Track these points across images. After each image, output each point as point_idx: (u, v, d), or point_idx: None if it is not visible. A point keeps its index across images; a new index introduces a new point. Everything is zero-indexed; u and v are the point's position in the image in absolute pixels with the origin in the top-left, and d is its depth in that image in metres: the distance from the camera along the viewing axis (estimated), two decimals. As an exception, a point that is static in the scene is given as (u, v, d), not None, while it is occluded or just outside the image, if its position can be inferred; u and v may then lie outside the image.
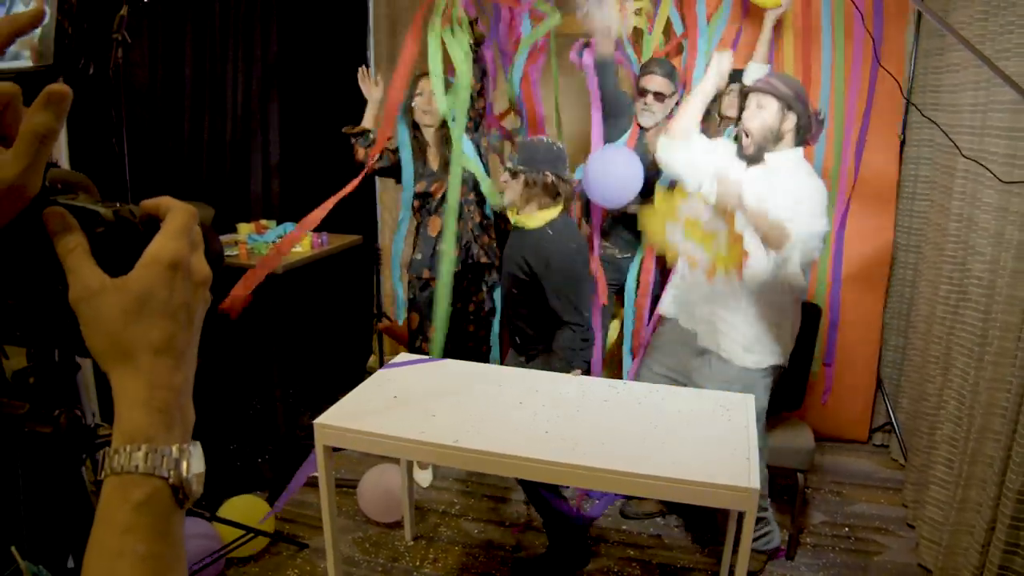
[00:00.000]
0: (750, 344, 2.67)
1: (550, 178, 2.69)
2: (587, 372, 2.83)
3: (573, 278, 2.69)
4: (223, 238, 3.38)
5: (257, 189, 3.68)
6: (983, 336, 2.58)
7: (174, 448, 0.57)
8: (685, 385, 2.90)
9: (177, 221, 0.60)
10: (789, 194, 2.46)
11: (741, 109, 2.67)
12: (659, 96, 3.12)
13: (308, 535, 3.06)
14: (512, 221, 2.81)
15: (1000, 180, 2.18)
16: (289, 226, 3.40)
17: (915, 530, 3.04)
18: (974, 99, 2.73)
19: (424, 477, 3.47)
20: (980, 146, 2.60)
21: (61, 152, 2.46)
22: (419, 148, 3.27)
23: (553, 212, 2.73)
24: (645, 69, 3.18)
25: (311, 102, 3.99)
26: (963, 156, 2.23)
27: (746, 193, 2.41)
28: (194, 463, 0.58)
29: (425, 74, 3.14)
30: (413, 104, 3.18)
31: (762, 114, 2.58)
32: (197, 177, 3.29)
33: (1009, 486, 2.32)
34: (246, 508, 2.92)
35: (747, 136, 2.62)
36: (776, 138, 2.60)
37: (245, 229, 3.32)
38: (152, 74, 2.98)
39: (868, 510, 3.27)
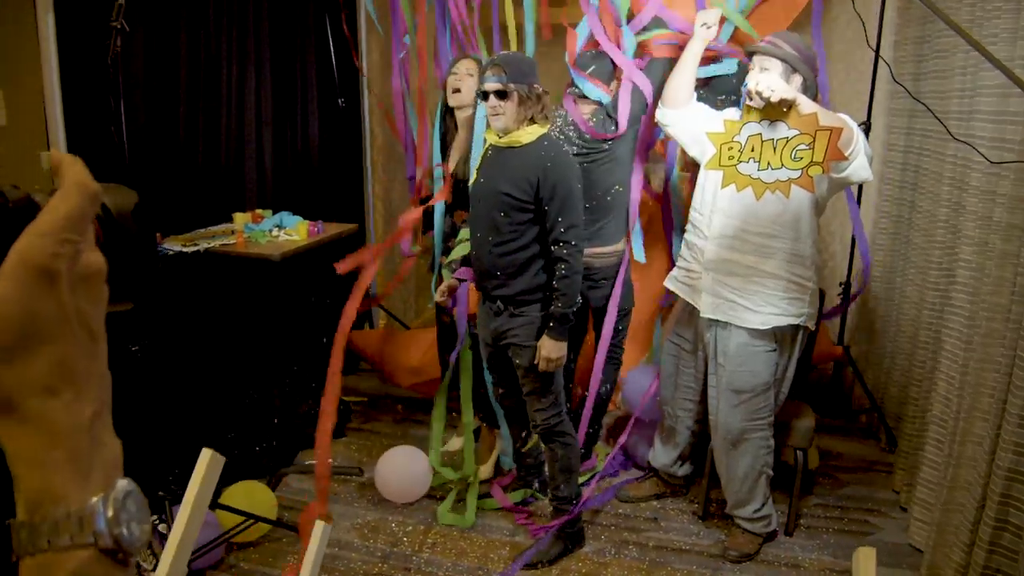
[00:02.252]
0: (774, 301, 2.63)
1: (540, 89, 2.53)
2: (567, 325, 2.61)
3: (575, 195, 2.53)
4: (219, 227, 3.39)
5: (253, 178, 3.69)
6: (972, 318, 2.63)
7: (95, 501, 0.44)
8: (693, 354, 2.93)
9: (62, 206, 0.44)
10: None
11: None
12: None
13: (307, 521, 3.09)
14: (501, 143, 2.58)
15: (988, 160, 2.22)
16: (285, 215, 3.41)
17: (907, 512, 3.09)
18: (962, 84, 2.77)
19: (455, 442, 3.54)
20: (968, 130, 2.64)
21: (59, 139, 2.46)
22: (448, 134, 3.21)
23: (545, 127, 2.58)
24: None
25: (307, 90, 4.01)
26: (953, 139, 2.26)
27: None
28: (127, 509, 0.46)
29: (466, 56, 3.12)
30: (449, 84, 3.10)
31: (767, 76, 2.50)
32: (193, 167, 3.30)
33: (999, 464, 2.36)
34: (246, 494, 2.94)
35: (751, 100, 2.53)
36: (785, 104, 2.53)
37: (241, 219, 3.33)
38: (148, 63, 2.99)
39: (861, 492, 3.32)
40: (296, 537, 2.99)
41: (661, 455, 3.19)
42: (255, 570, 2.81)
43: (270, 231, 3.27)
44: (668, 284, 2.98)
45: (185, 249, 2.97)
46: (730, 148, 2.44)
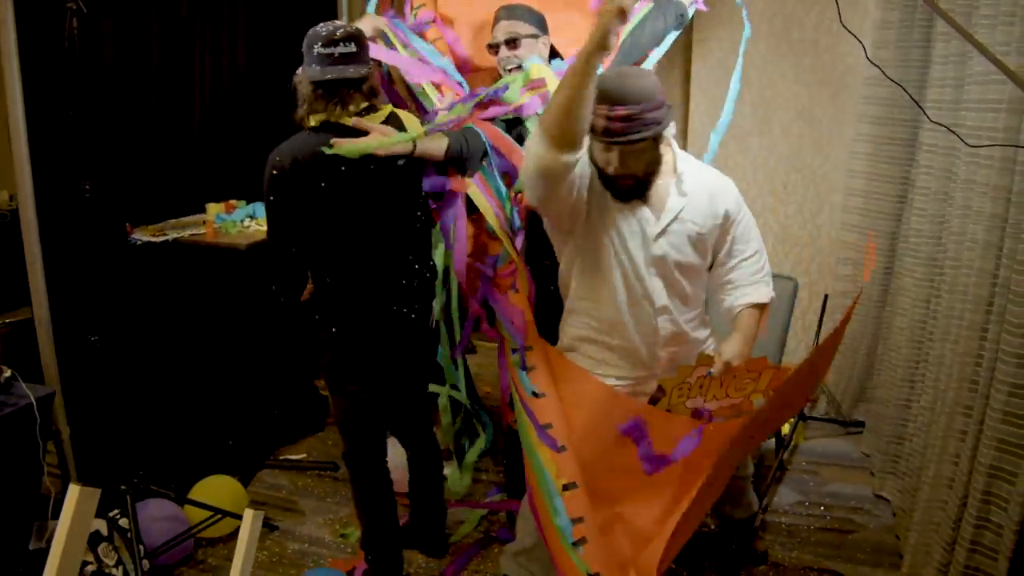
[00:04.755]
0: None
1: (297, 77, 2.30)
2: None
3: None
4: (191, 218, 3.34)
5: (229, 168, 3.62)
6: (953, 310, 2.57)
7: None
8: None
9: None
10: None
11: None
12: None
13: (279, 517, 3.03)
14: None
15: (965, 143, 2.17)
16: (259, 205, 3.35)
17: (890, 507, 3.04)
18: (943, 73, 2.72)
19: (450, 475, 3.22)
20: (950, 120, 2.58)
21: (19, 125, 2.41)
22: None
23: (317, 118, 2.27)
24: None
25: (282, 78, 3.93)
26: (929, 120, 2.22)
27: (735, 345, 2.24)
28: None
29: None
30: None
31: (634, 154, 2.03)
32: (165, 155, 3.24)
33: (981, 460, 2.31)
34: (216, 489, 2.90)
35: (622, 177, 2.07)
36: (657, 162, 2.11)
37: (214, 209, 3.27)
38: (118, 48, 2.93)
39: (843, 489, 3.26)
40: (265, 532, 2.93)
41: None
42: (223, 566, 2.76)
43: (241, 221, 3.21)
44: None
45: (154, 239, 2.92)
46: (680, 389, 2.21)
